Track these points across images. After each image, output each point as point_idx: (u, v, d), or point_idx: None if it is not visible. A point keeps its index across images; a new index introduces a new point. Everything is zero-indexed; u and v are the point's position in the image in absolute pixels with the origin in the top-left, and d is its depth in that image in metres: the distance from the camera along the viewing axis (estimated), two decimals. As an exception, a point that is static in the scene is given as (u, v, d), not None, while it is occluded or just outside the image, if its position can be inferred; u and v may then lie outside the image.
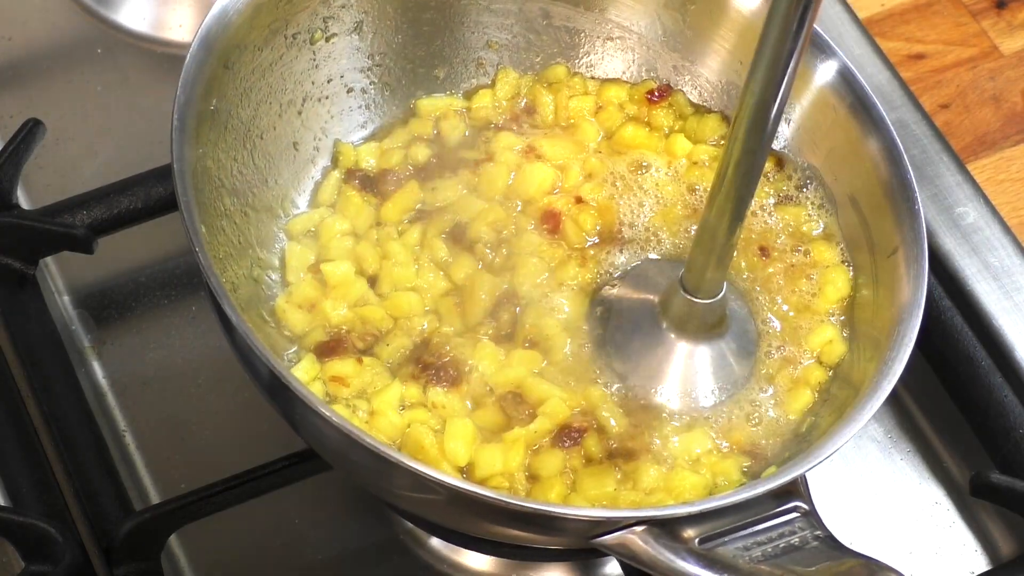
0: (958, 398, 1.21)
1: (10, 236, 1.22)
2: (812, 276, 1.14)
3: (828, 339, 1.12)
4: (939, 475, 1.21)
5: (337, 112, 1.20)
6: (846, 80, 1.14)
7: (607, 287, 1.14)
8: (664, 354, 1.10)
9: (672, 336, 1.10)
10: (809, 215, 1.16)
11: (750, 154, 0.97)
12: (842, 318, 1.13)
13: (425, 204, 1.17)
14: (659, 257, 1.15)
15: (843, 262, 1.14)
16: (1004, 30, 1.46)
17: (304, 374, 1.08)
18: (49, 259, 1.27)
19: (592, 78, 1.23)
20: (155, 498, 1.18)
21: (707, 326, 1.09)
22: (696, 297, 1.07)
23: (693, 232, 1.15)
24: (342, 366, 1.09)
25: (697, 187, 1.18)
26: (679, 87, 1.22)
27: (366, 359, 1.10)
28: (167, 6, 1.41)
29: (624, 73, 1.23)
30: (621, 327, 1.12)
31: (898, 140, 1.11)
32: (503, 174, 1.18)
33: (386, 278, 1.14)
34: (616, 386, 1.10)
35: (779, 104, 0.95)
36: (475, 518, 1.02)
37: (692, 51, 1.21)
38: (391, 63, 1.21)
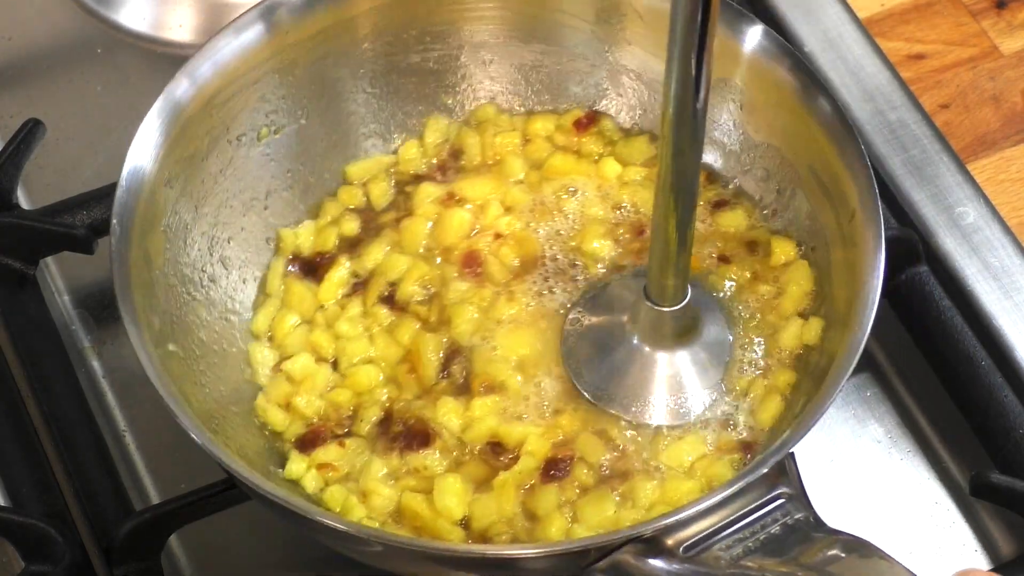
0: (958, 398, 1.21)
1: (10, 236, 1.22)
2: (776, 276, 1.14)
3: (800, 326, 1.11)
4: (939, 475, 1.21)
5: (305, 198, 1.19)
6: (774, 49, 1.12)
7: (572, 313, 1.13)
8: (639, 367, 1.10)
9: (646, 349, 1.09)
10: (766, 212, 1.16)
11: (680, 153, 0.96)
12: (811, 305, 1.12)
13: (358, 275, 1.16)
14: (619, 277, 1.15)
15: (801, 257, 1.14)
16: (1004, 30, 1.46)
17: (296, 467, 1.09)
18: (49, 259, 1.27)
19: (525, 113, 1.22)
20: (155, 498, 1.18)
21: (678, 333, 1.09)
22: (662, 306, 1.06)
23: (623, 252, 1.15)
24: (325, 454, 1.09)
25: (624, 204, 1.17)
26: (608, 111, 1.21)
27: (348, 441, 1.10)
28: (167, 6, 1.41)
29: (556, 102, 1.22)
30: (593, 348, 1.11)
31: (835, 97, 1.10)
32: (421, 226, 1.17)
33: (343, 356, 1.13)
34: (593, 407, 1.10)
35: (702, 95, 0.93)
36: (456, 571, 1.03)
37: (620, 66, 1.20)
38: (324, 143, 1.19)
